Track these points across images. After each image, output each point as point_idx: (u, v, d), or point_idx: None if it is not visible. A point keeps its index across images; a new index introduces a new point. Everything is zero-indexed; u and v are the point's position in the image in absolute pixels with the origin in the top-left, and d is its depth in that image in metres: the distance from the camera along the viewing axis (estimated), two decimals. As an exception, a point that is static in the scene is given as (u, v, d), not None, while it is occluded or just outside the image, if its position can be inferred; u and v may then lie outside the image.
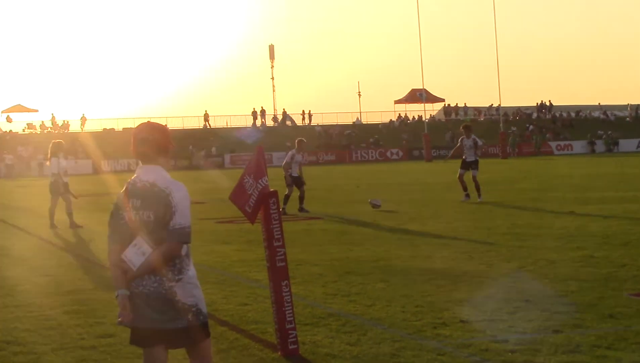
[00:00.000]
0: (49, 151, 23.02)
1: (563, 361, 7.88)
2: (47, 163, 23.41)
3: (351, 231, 19.57)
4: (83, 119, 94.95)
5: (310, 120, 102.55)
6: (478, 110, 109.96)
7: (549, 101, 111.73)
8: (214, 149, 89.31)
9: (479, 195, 26.86)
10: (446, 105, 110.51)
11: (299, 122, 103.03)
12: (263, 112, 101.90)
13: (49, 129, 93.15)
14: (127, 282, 5.88)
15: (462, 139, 28.20)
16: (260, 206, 8.43)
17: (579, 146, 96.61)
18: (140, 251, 5.80)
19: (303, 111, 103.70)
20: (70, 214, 22.57)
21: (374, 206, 24.76)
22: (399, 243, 17.00)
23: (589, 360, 7.91)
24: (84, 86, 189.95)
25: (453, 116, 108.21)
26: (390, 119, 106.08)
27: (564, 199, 26.56)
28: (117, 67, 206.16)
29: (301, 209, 25.36)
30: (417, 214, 22.35)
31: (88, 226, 21.89)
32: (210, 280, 12.51)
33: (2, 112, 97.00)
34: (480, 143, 28.35)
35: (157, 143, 5.98)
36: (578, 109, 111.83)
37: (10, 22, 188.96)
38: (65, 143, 24.22)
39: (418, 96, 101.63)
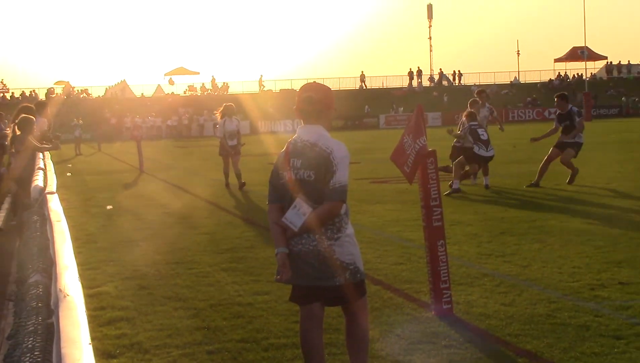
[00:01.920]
0: (219, 114, 23.38)
1: None
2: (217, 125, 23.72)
3: (507, 191, 19.33)
4: (260, 81, 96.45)
5: (459, 80, 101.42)
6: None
7: None
8: (367, 108, 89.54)
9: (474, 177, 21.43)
10: (608, 63, 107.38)
11: (456, 81, 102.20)
12: (420, 72, 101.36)
13: (209, 91, 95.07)
14: (286, 240, 5.98)
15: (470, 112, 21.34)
16: (418, 165, 8.42)
17: None
18: (300, 212, 5.88)
19: (454, 71, 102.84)
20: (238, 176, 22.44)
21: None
22: (555, 203, 16.71)
23: None
24: (242, 49, 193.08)
25: (615, 74, 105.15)
26: (550, 78, 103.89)
27: None
28: (273, 29, 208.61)
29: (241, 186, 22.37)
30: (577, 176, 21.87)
31: (246, 186, 22.27)
32: (364, 240, 12.59)
33: (165, 75, 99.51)
34: (495, 113, 23.60)
35: (320, 102, 6.04)
36: None
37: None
38: (234, 106, 23.94)
39: (579, 53, 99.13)
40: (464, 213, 15.59)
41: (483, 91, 23.17)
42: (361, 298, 6.11)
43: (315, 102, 6.04)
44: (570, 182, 20.10)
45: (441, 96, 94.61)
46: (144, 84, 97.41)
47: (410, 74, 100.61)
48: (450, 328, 7.93)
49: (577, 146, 20.32)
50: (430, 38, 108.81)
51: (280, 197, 6.05)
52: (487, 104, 22.77)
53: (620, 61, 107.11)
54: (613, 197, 17.44)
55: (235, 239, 13.64)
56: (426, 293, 8.92)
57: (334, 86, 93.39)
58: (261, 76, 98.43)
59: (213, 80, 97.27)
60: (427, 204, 8.52)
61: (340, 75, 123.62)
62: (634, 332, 7.52)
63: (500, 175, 23.35)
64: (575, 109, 20.58)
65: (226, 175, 23.09)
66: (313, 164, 5.92)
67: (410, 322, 8.18)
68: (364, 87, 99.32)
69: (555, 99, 20.81)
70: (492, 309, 8.53)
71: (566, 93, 21.71)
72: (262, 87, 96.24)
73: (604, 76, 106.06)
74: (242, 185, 22.15)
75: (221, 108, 23.42)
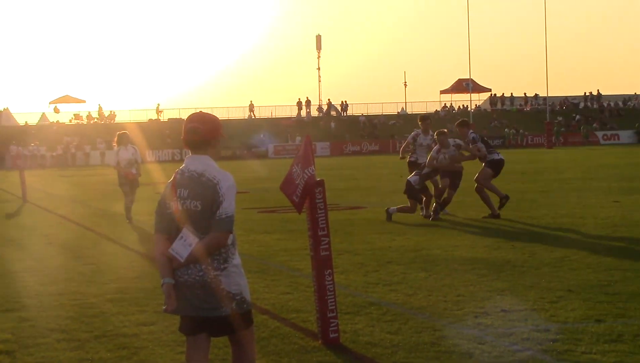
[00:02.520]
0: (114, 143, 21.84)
1: (605, 350, 7.83)
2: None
3: (393, 221, 19.52)
4: (157, 109, 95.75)
5: (345, 111, 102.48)
6: (524, 100, 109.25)
7: (597, 90, 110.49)
8: (262, 135, 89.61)
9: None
10: (492, 95, 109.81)
11: (343, 112, 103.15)
12: (308, 102, 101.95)
13: (95, 120, 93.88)
14: (172, 270, 5.93)
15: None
16: (306, 195, 8.44)
17: (625, 135, 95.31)
18: (187, 243, 5.84)
19: (342, 101, 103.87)
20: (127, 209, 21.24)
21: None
22: (441, 232, 16.95)
23: (630, 349, 7.85)
24: (129, 76, 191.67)
25: (499, 105, 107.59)
26: (436, 110, 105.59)
27: (609, 189, 26.32)
28: (163, 57, 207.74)
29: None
30: (460, 204, 22.26)
31: (134, 217, 21.98)
32: (252, 269, 12.56)
33: (50, 103, 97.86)
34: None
35: (206, 133, 6.02)
36: (626, 99, 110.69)
37: (59, 15, 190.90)
38: (129, 134, 21.94)
39: (464, 85, 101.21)
40: (352, 243, 15.69)
41: (427, 117, 21.77)
42: (248, 328, 6.09)
43: (201, 132, 6.02)
44: (493, 214, 19.33)
45: (329, 126, 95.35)
46: (28, 112, 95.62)
47: (299, 104, 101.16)
48: (337, 357, 7.96)
49: (494, 164, 19.82)
50: (319, 69, 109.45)
51: (167, 227, 6.00)
52: (430, 132, 21.13)
53: (503, 93, 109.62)
54: (496, 226, 17.79)
55: (121, 269, 13.46)
56: (313, 322, 8.93)
57: (222, 115, 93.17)
58: (158, 104, 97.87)
59: (100, 108, 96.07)
60: (314, 233, 8.55)
61: (229, 104, 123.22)
62: (516, 358, 7.67)
63: (387, 205, 23.56)
64: (472, 135, 19.96)
65: (126, 208, 21.29)
66: (199, 194, 5.89)
67: (297, 352, 8.18)
68: (253, 117, 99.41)
69: (457, 129, 20.41)
70: (378, 337, 8.59)
71: (466, 120, 21.03)
72: (159, 115, 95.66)
73: (488, 107, 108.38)
74: (129, 217, 21.11)
75: (115, 137, 21.74)
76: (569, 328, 8.73)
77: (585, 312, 9.42)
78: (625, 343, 8.08)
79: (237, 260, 6.00)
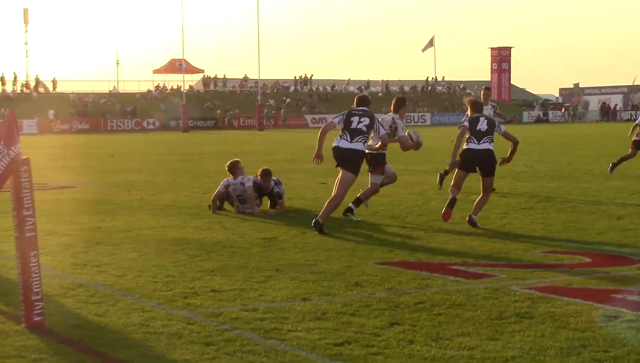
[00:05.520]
0: None
1: (310, 328, 8.06)
2: None
3: (104, 201, 19.21)
4: None
5: (55, 87, 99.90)
6: (237, 82, 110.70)
7: (305, 74, 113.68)
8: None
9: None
10: (205, 76, 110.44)
11: (53, 89, 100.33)
12: (15, 78, 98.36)
13: None
14: None
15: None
16: (9, 173, 8.14)
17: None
18: None
19: (54, 78, 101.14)
20: None
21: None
22: (152, 213, 16.84)
23: (334, 326, 8.12)
24: None
25: (212, 87, 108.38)
26: (148, 89, 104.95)
27: (316, 171, 27.08)
28: None
29: None
30: (172, 185, 22.24)
31: None
32: (-49, 251, 12.00)
33: None
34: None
35: None
36: (335, 83, 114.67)
37: None
38: None
39: (177, 66, 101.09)
40: (60, 223, 15.30)
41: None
42: None
43: None
44: None
45: (40, 103, 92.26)
46: None
47: (3, 79, 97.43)
48: (41, 340, 7.73)
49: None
50: (26, 43, 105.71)
51: None
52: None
53: (216, 75, 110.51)
54: (205, 208, 17.85)
55: None
56: (18, 305, 8.63)
57: None
58: None
59: None
60: (19, 213, 8.25)
61: None
62: (224, 338, 7.74)
63: (97, 184, 23.20)
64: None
65: None
66: None
67: (-1, 336, 7.88)
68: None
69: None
70: (85, 320, 8.44)
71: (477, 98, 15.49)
72: None
73: (202, 88, 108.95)
74: None
75: None
76: (277, 307, 8.92)
77: (292, 291, 9.66)
78: (329, 320, 8.35)
79: None
